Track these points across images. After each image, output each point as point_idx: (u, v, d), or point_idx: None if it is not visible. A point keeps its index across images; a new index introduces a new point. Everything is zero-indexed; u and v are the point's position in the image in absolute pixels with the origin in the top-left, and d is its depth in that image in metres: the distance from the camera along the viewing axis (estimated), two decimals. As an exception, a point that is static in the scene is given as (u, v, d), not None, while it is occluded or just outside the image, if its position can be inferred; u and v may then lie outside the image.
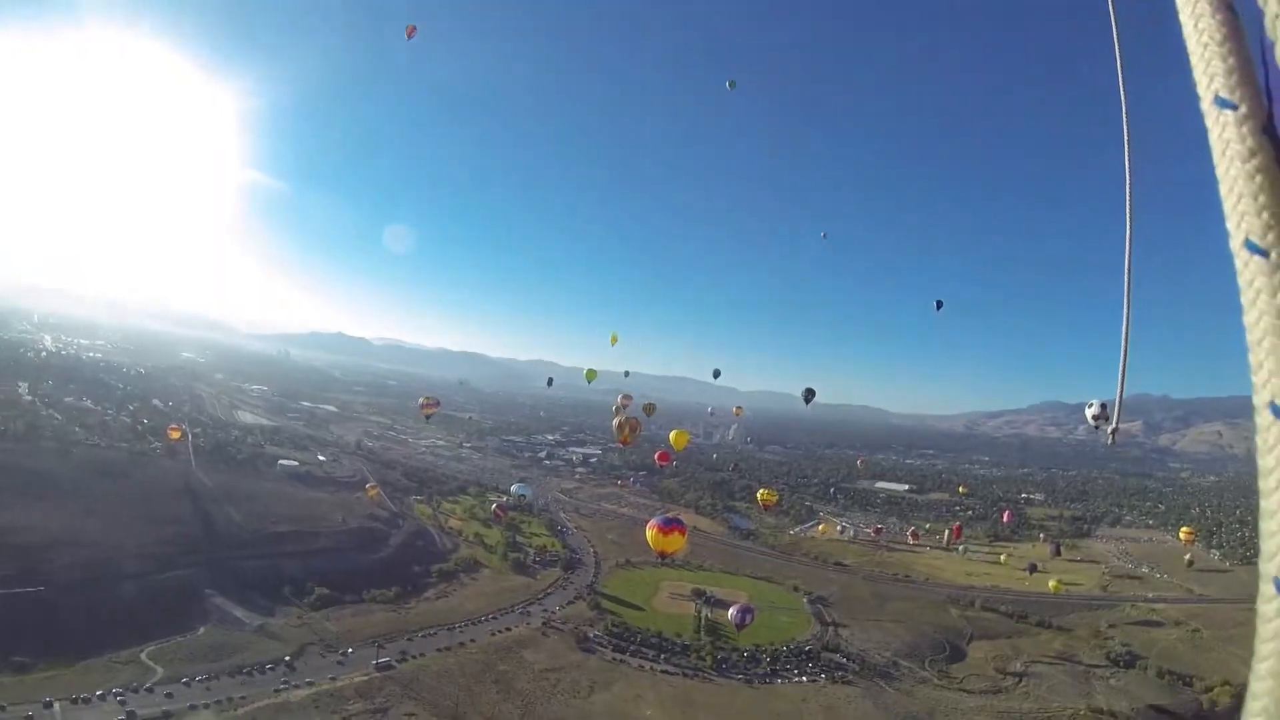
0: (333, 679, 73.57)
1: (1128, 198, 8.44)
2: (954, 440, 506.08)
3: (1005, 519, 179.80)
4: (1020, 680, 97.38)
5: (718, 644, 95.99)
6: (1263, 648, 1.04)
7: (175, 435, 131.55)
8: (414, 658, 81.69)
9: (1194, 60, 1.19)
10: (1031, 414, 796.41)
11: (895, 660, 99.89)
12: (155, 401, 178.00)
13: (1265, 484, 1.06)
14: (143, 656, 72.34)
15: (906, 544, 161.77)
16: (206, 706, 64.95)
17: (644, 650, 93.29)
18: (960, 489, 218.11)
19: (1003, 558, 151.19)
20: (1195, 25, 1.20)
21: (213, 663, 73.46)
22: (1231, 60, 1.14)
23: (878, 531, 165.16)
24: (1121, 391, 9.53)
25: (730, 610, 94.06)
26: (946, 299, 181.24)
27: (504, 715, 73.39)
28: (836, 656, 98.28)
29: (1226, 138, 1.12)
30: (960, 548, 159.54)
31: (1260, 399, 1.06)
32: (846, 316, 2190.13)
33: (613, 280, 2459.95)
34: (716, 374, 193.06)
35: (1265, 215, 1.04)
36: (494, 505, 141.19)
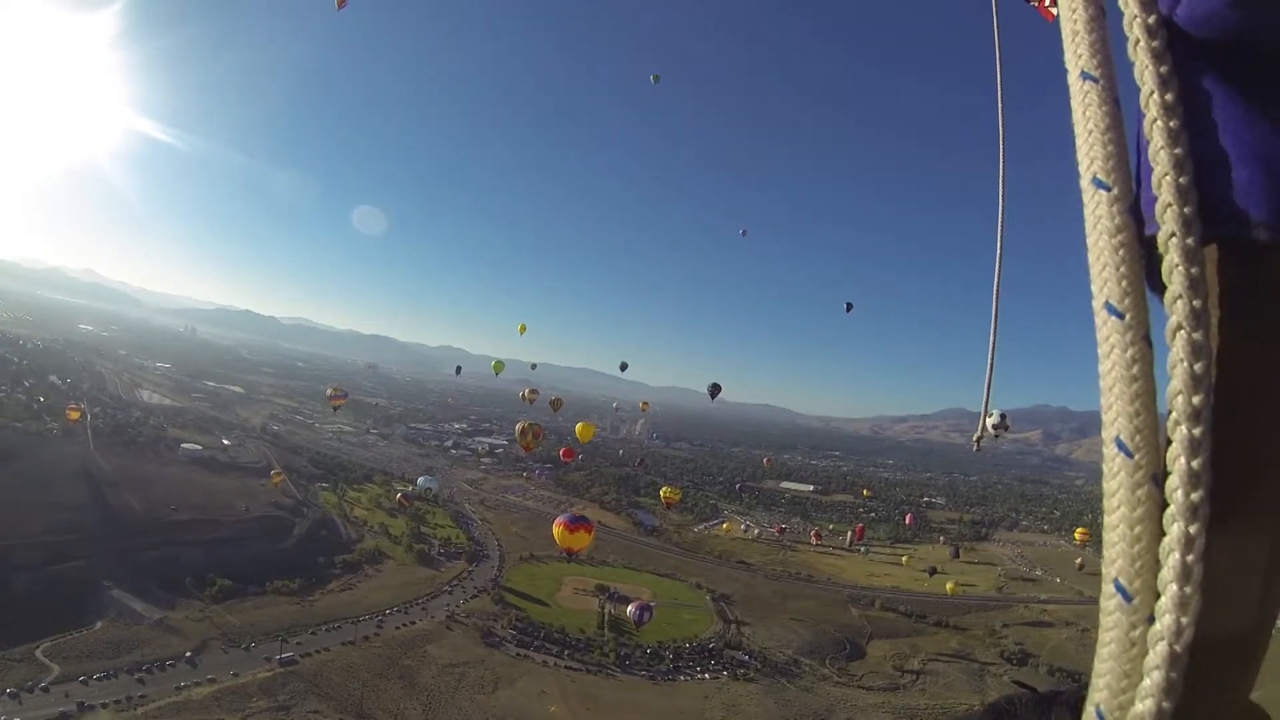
0: (235, 675, 72.58)
1: (999, 233, 9.60)
2: (860, 443, 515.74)
3: (907, 521, 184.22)
4: (918, 677, 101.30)
5: (621, 640, 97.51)
6: (1104, 635, 1.17)
7: (74, 416, 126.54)
8: (318, 652, 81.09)
9: (1079, 142, 1.34)
10: (937, 420, 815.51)
11: (796, 658, 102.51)
12: (53, 378, 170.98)
13: (1108, 504, 1.20)
14: (38, 654, 70.19)
15: (809, 544, 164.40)
16: (105, 706, 63.55)
17: (548, 646, 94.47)
18: (864, 491, 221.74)
19: (904, 559, 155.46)
20: (1084, 112, 1.33)
21: (111, 659, 71.83)
22: (1111, 148, 1.27)
23: (781, 531, 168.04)
24: (986, 404, 10.13)
25: (629, 607, 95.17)
26: (857, 303, 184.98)
27: (408, 711, 73.74)
28: (739, 654, 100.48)
29: (1099, 214, 1.26)
30: (862, 549, 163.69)
31: (1108, 434, 1.21)
32: (757, 315, 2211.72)
33: (523, 269, 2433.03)
34: (623, 367, 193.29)
35: (1124, 283, 1.19)
36: (399, 495, 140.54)
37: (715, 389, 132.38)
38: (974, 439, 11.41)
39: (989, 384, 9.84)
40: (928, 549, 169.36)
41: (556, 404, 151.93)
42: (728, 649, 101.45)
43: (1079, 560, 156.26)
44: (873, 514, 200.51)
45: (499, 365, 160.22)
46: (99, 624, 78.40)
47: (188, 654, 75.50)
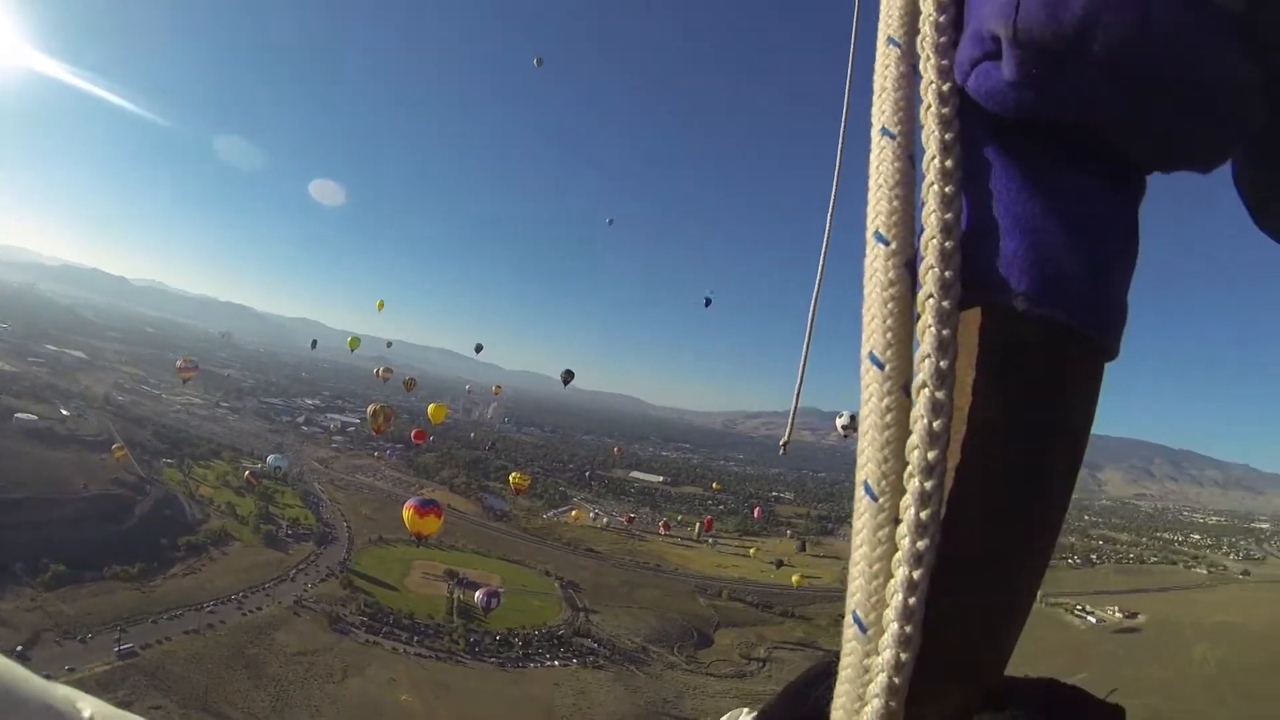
0: (70, 670, 69.68)
1: (825, 238, 12.50)
2: (711, 436, 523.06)
3: (756, 515, 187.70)
4: (764, 665, 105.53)
5: (470, 627, 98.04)
6: (843, 660, 1.16)
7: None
8: (160, 642, 79.00)
9: (870, 195, 1.40)
10: (788, 417, 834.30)
11: (645, 646, 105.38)
12: None
13: (854, 541, 1.20)
14: None
15: (658, 534, 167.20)
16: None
17: (397, 632, 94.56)
18: (714, 484, 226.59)
19: (752, 551, 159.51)
20: (877, 167, 1.38)
21: (-66, 654, 68.82)
22: (896, 204, 1.33)
23: (630, 520, 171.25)
24: (795, 409, 13.12)
25: (477, 594, 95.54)
26: (716, 298, 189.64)
27: (256, 703, 73.33)
28: (588, 642, 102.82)
29: (875, 266, 1.31)
30: (710, 540, 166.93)
31: (859, 477, 1.22)
32: (615, 304, 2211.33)
33: (383, 245, 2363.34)
34: (479, 349, 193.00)
35: (889, 335, 1.25)
36: (247, 473, 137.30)
37: (568, 375, 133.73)
38: (781, 443, 14.05)
39: (799, 387, 12.44)
40: (775, 542, 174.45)
41: (410, 384, 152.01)
42: (577, 636, 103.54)
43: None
44: (721, 506, 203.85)
45: (354, 341, 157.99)
46: (-82, 616, 74.61)
47: (19, 648, 71.39)
